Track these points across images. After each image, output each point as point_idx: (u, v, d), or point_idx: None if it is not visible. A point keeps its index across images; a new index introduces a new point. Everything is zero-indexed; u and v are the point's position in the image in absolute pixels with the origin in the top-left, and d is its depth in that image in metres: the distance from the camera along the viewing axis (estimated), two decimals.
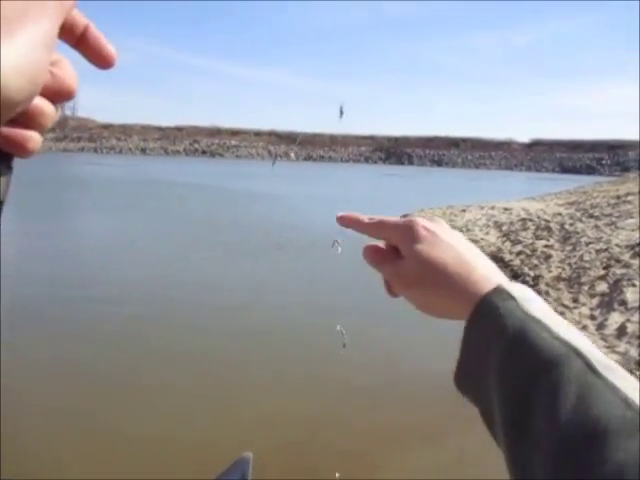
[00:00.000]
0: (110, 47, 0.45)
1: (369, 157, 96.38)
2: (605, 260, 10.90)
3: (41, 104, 0.41)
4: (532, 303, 0.55)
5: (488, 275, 0.61)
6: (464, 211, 19.92)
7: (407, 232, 0.66)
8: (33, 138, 0.42)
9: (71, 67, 0.44)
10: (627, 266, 10.06)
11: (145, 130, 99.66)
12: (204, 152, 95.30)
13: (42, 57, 0.39)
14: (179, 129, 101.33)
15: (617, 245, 12.02)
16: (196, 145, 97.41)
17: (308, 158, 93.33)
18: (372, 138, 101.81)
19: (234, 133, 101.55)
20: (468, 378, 0.56)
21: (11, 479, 3.80)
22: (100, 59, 0.45)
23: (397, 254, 0.67)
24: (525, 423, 0.48)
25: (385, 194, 32.32)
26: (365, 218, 0.72)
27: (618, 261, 10.57)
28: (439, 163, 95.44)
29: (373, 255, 0.69)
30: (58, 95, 0.43)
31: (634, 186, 23.81)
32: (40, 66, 0.39)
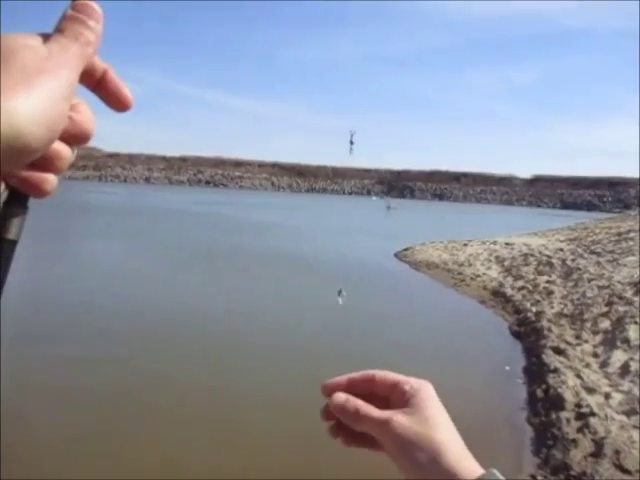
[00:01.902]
0: (127, 91, 0.47)
1: (371, 190, 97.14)
2: (607, 297, 10.86)
3: (59, 148, 0.42)
4: None
5: (477, 465, 0.60)
6: (466, 245, 19.95)
7: (422, 384, 0.64)
8: (49, 180, 0.43)
9: (89, 111, 0.45)
10: (630, 303, 10.02)
11: (150, 160, 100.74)
12: (208, 182, 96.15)
13: (61, 107, 0.40)
14: (184, 159, 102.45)
15: (619, 282, 11.99)
16: (200, 175, 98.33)
17: (310, 190, 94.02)
18: (375, 171, 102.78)
19: (238, 164, 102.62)
20: None
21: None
22: (117, 102, 0.47)
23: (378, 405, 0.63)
24: None
25: (387, 227, 32.42)
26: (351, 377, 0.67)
27: (621, 298, 10.53)
28: (440, 197, 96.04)
29: (349, 402, 0.64)
30: (76, 139, 0.44)
31: (635, 223, 23.89)
32: (58, 115, 0.40)
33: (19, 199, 0.43)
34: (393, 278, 15.07)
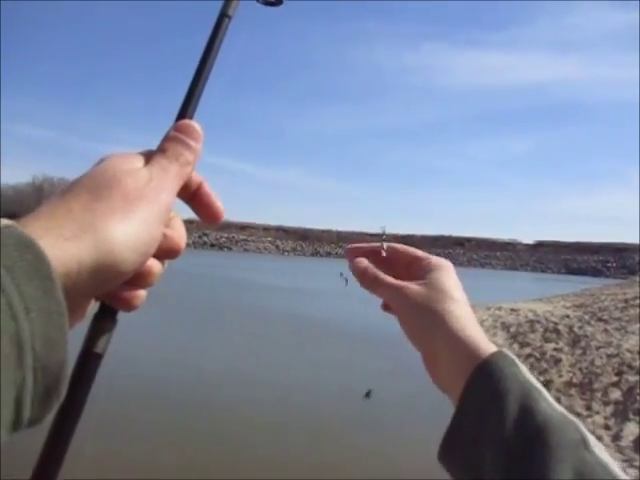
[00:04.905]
0: (219, 203, 0.47)
1: None
2: (617, 366, 10.62)
3: (150, 264, 0.42)
4: (528, 373, 0.55)
5: (487, 342, 0.58)
6: None
7: (442, 263, 0.64)
8: (139, 296, 0.43)
9: (182, 226, 0.45)
10: None
11: None
12: (213, 245, 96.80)
13: (156, 231, 0.40)
14: (189, 222, 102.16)
15: (628, 350, 11.75)
16: (205, 238, 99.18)
17: (315, 253, 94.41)
18: (379, 236, 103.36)
19: (243, 227, 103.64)
20: (460, 442, 0.52)
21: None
22: (210, 215, 0.47)
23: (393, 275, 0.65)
24: None
25: None
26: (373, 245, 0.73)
27: (630, 367, 10.29)
28: None
29: (369, 269, 0.67)
30: (167, 254, 0.43)
31: None
32: (152, 239, 0.40)
33: (109, 313, 0.43)
34: (394, 344, 14.83)
